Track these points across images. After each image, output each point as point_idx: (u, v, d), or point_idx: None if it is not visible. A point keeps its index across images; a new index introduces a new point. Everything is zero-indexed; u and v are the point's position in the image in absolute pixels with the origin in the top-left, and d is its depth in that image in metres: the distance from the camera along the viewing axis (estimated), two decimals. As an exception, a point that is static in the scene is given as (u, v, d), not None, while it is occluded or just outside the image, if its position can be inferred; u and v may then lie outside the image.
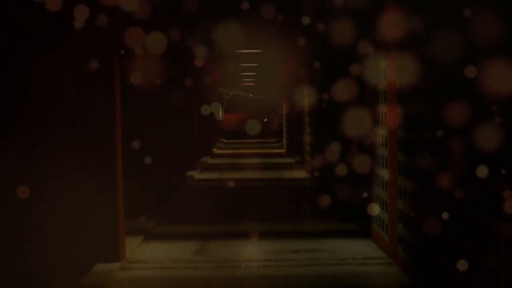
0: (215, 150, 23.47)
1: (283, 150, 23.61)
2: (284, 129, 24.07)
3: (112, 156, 5.72)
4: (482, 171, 3.47)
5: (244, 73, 21.22)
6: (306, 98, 14.33)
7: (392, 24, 5.66)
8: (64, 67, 5.52)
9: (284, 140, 23.97)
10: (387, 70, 5.96)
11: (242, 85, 28.19)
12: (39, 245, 5.42)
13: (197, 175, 14.36)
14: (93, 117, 5.61)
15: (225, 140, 31.40)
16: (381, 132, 6.30)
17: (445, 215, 4.17)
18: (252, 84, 26.98)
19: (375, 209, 6.57)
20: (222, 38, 10.63)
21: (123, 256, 5.90)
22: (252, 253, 6.27)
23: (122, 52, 5.52)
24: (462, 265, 3.85)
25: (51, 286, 4.96)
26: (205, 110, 15.15)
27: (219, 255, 6.18)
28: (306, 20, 9.56)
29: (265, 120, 33.53)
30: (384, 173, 6.15)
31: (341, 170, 8.19)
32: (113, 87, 5.69)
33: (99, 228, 5.69)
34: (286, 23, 10.27)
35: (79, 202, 5.59)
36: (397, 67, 5.55)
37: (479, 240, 3.59)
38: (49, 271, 5.18)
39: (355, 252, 6.19)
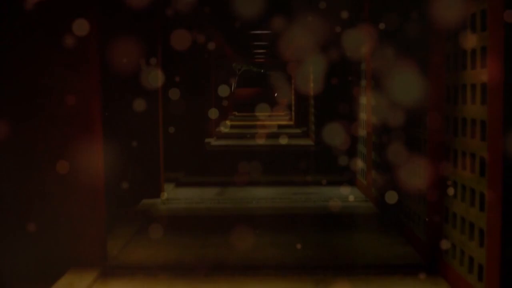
0: (228, 122, 25.26)
1: (291, 122, 25.38)
2: (293, 103, 25.80)
3: (156, 128, 7.69)
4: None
5: (255, 50, 22.77)
6: (311, 74, 16.04)
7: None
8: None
9: (293, 113, 25.72)
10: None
11: (253, 61, 29.74)
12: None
13: (213, 141, 16.21)
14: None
15: (237, 113, 33.16)
16: (362, 101, 8.03)
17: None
18: (263, 60, 28.54)
19: (358, 162, 8.35)
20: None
21: (163, 195, 7.75)
22: (261, 194, 8.07)
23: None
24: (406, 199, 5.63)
25: (115, 213, 6.77)
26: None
27: (235, 195, 8.01)
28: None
29: (276, 94, 35.22)
30: (363, 133, 7.91)
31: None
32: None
33: (148, 174, 7.58)
34: None
35: (137, 155, 7.50)
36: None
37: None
38: (112, 203, 7.00)
39: (342, 194, 7.99)
